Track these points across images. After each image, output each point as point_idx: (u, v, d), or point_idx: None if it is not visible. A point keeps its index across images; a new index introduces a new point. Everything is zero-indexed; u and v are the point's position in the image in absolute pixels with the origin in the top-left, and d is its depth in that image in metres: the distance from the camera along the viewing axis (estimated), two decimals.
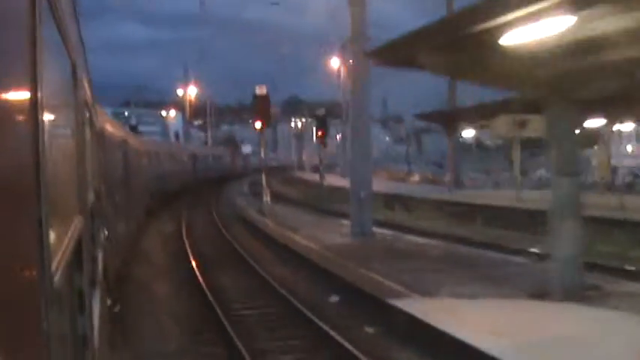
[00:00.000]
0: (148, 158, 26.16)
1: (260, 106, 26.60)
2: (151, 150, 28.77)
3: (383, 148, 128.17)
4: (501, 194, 33.62)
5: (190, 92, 79.62)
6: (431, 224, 25.66)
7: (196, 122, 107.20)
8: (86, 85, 4.35)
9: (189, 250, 19.10)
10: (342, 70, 66.81)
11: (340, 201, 38.33)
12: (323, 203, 37.57)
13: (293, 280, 14.91)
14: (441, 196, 33.93)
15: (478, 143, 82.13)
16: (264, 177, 28.46)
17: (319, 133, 42.55)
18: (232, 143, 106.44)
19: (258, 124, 26.96)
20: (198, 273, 15.59)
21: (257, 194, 37.98)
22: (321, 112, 39.06)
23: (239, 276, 15.96)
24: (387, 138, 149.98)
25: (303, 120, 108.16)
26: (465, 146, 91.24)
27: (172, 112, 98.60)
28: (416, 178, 62.75)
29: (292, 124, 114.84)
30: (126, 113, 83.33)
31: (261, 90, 26.40)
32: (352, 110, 19.66)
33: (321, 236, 19.83)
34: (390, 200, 33.12)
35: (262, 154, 28.00)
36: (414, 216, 28.39)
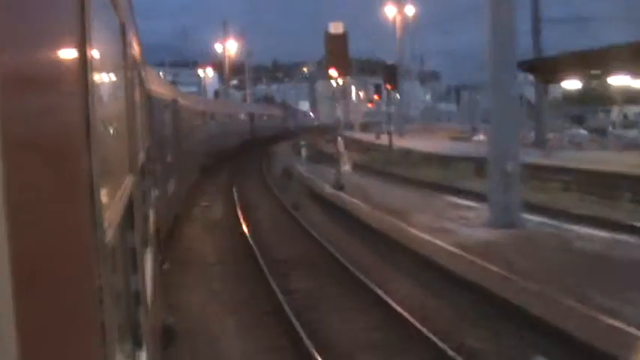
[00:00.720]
0: (202, 118, 24.59)
1: (336, 49, 19.81)
2: (206, 110, 26.21)
3: (422, 107, 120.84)
4: (603, 156, 27.77)
5: (229, 47, 73.54)
6: (562, 200, 19.82)
7: (232, 82, 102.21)
8: (135, 44, 4.16)
9: (261, 261, 13.56)
10: (398, 19, 60.37)
11: (416, 166, 32.62)
12: (396, 169, 31.93)
13: (440, 315, 9.33)
14: (540, 161, 27.98)
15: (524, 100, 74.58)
16: (340, 140, 22.33)
17: (388, 87, 36.84)
18: (271, 102, 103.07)
19: (333, 72, 20.44)
20: (291, 313, 9.70)
21: (316, 160, 32.56)
22: (389, 63, 33.03)
23: (344, 305, 10.06)
24: (428, 96, 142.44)
25: (347, 78, 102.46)
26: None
27: (210, 72, 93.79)
28: (481, 137, 56.68)
29: (332, 82, 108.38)
30: (161, 73, 78.72)
31: (336, 28, 19.77)
32: (491, 59, 13.66)
33: (441, 225, 14.21)
34: (483, 166, 27.14)
35: (338, 113, 21.93)
36: (527, 187, 22.43)
